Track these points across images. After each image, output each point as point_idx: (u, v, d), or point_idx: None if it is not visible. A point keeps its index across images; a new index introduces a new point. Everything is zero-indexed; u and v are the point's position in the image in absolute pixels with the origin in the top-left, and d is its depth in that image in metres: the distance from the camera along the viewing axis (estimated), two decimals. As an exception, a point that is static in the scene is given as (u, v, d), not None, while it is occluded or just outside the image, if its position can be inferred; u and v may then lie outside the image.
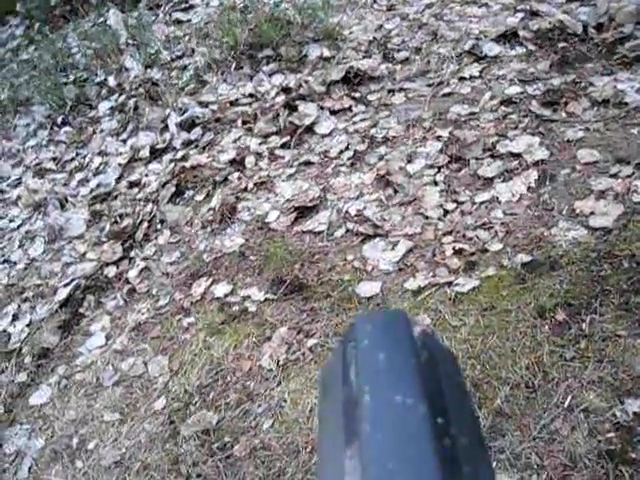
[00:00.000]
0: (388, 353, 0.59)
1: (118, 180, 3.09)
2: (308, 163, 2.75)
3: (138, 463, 1.90)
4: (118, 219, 2.83)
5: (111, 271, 2.61)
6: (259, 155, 2.88)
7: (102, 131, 3.48)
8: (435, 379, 0.60)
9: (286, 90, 3.23)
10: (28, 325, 2.54)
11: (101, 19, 4.60)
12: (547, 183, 2.24)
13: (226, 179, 2.82)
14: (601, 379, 1.64)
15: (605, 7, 2.97)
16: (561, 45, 2.88)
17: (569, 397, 1.63)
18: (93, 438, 2.03)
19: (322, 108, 3.00)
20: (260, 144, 2.94)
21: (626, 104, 2.43)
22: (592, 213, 2.07)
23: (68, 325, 2.46)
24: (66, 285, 2.62)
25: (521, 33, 3.03)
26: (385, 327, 0.66)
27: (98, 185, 3.11)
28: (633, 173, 2.14)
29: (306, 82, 3.13)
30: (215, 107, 3.29)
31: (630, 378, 1.62)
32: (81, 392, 2.19)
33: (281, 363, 1.98)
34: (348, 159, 2.69)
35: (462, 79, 2.91)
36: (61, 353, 2.38)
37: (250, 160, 2.86)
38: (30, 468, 2.04)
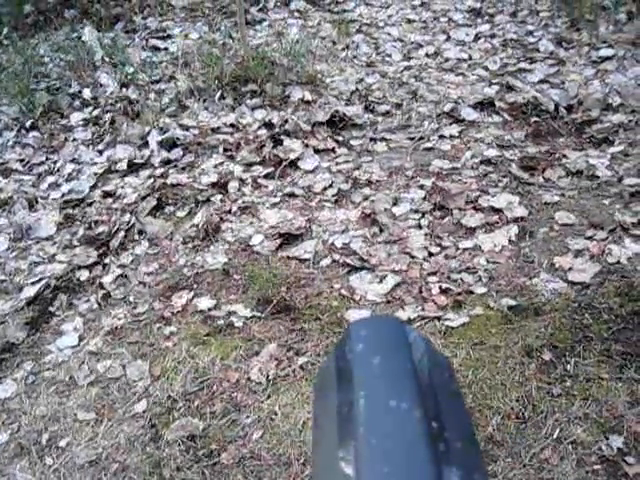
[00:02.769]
0: (383, 358, 0.63)
1: (92, 188, 3.05)
2: (292, 195, 2.82)
3: (116, 464, 1.85)
4: (93, 225, 2.79)
5: (83, 275, 2.56)
6: (242, 181, 2.93)
7: (75, 140, 3.44)
8: (430, 384, 0.65)
9: (268, 125, 3.31)
10: (-11, 320, 2.44)
11: (75, 34, 4.58)
12: (527, 238, 2.40)
13: (208, 200, 2.84)
14: (587, 415, 1.75)
15: (575, 91, 3.24)
16: (534, 119, 3.11)
17: (557, 429, 1.73)
18: (65, 436, 1.95)
19: (307, 146, 3.09)
20: (244, 171, 2.99)
21: (597, 177, 2.65)
22: (570, 269, 2.23)
23: (36, 322, 2.38)
24: (34, 283, 2.54)
25: (497, 104, 3.25)
26: (380, 332, 0.70)
27: (70, 191, 3.06)
28: (607, 237, 2.32)
29: (292, 119, 3.22)
30: (196, 131, 3.33)
31: (613, 417, 1.73)
32: (52, 389, 2.11)
33: (270, 378, 2.00)
34: (332, 196, 2.78)
35: (442, 137, 3.09)
36: (28, 349, 2.29)
37: (233, 185, 2.90)
38: (-9, 462, 1.94)
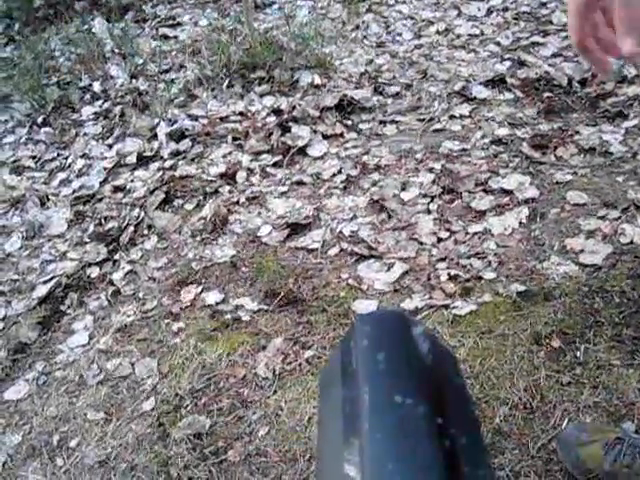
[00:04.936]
0: (388, 353, 0.60)
1: (102, 183, 3.05)
2: (301, 183, 2.79)
3: (125, 464, 1.86)
4: (102, 221, 2.80)
5: (94, 272, 2.57)
6: (250, 171, 2.91)
7: (86, 134, 3.44)
8: (435, 379, 0.62)
9: (277, 112, 3.27)
10: (3, 319, 2.47)
11: (85, 26, 4.58)
12: (538, 220, 2.34)
13: (217, 191, 2.83)
14: (596, 404, 1.71)
15: (588, 65, 3.14)
16: (547, 95, 3.03)
17: (566, 419, 1.69)
18: (75, 436, 1.97)
19: (315, 132, 3.05)
20: (251, 161, 2.97)
21: (611, 154, 2.57)
22: (582, 251, 2.17)
23: (48, 322, 2.40)
24: (45, 282, 2.56)
25: (509, 80, 3.17)
26: (384, 327, 0.67)
27: (81, 187, 3.07)
28: (620, 217, 2.26)
29: (300, 105, 3.19)
30: (205, 121, 3.31)
31: (624, 404, 1.69)
32: (62, 389, 2.13)
33: (277, 372, 1.99)
34: (341, 182, 2.74)
35: (452, 117, 3.02)
36: (40, 349, 2.31)
37: (241, 175, 2.88)
38: (4, 464, 1.96)
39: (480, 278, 2.17)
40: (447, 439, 0.53)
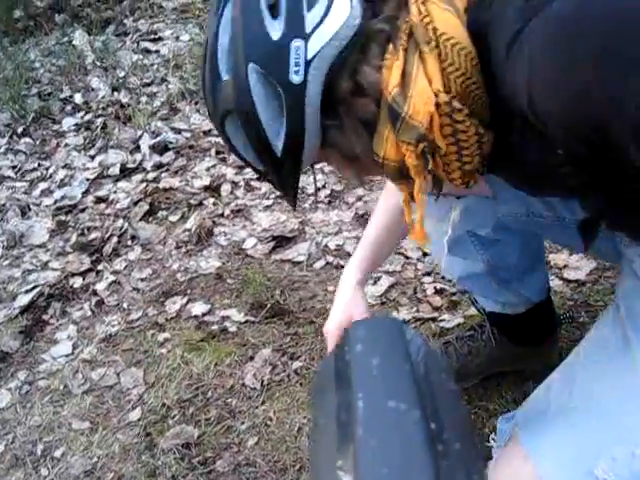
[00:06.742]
0: (382, 359, 0.62)
1: (85, 194, 3.03)
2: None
3: (111, 473, 1.84)
4: (85, 231, 2.78)
5: (77, 282, 2.55)
6: (235, 184, 2.92)
7: (67, 145, 3.42)
8: (428, 384, 0.64)
9: (261, 127, 3.29)
10: (-18, 329, 2.43)
11: (65, 38, 4.56)
12: (521, 236, 2.38)
13: (201, 203, 2.83)
14: (583, 416, 1.73)
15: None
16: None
17: (554, 430, 1.71)
18: (60, 446, 1.94)
19: (299, 147, 3.07)
20: (236, 174, 2.97)
21: (591, 173, 2.63)
22: (566, 266, 2.21)
23: (30, 331, 2.37)
24: (27, 291, 2.53)
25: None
26: (378, 333, 0.69)
27: (63, 197, 3.04)
28: (602, 234, 2.31)
29: (284, 121, 3.21)
30: (188, 135, 3.31)
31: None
32: (46, 399, 2.10)
33: (265, 383, 1.99)
34: (326, 197, 2.76)
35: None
36: (22, 358, 2.28)
37: (226, 188, 2.89)
38: (-14, 474, 1.93)
39: (466, 292, 2.19)
40: (440, 444, 0.54)
